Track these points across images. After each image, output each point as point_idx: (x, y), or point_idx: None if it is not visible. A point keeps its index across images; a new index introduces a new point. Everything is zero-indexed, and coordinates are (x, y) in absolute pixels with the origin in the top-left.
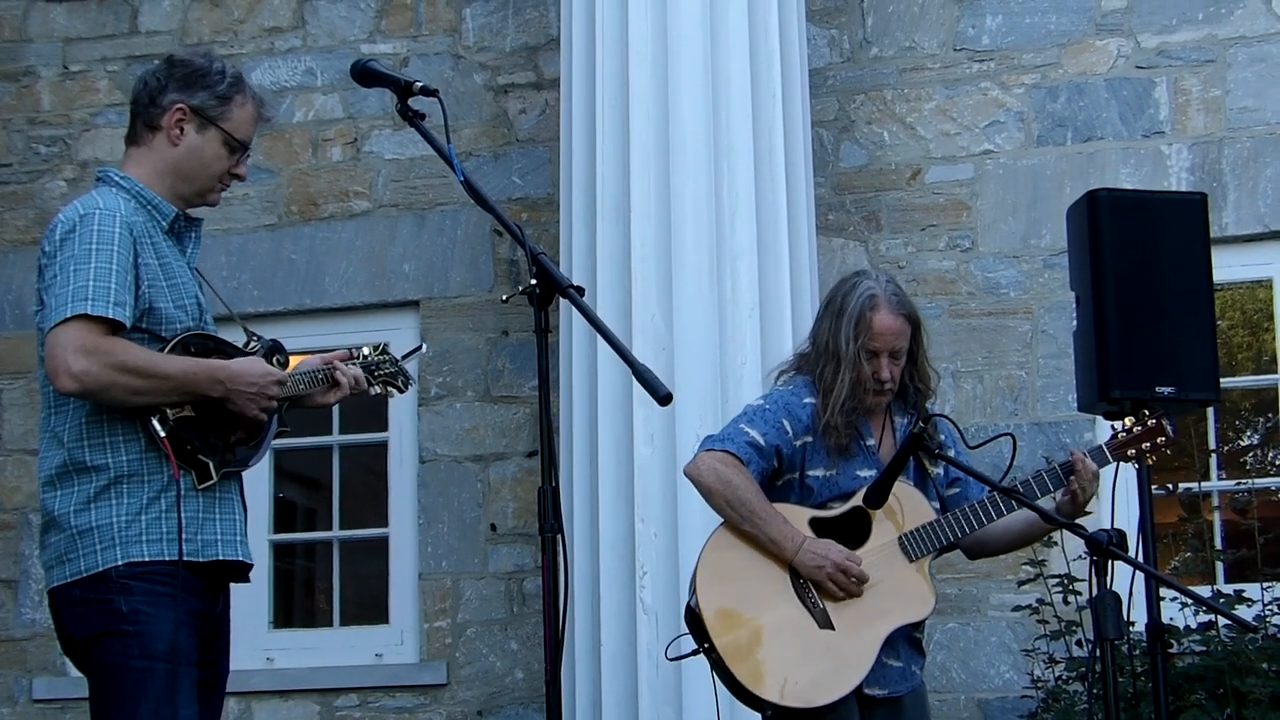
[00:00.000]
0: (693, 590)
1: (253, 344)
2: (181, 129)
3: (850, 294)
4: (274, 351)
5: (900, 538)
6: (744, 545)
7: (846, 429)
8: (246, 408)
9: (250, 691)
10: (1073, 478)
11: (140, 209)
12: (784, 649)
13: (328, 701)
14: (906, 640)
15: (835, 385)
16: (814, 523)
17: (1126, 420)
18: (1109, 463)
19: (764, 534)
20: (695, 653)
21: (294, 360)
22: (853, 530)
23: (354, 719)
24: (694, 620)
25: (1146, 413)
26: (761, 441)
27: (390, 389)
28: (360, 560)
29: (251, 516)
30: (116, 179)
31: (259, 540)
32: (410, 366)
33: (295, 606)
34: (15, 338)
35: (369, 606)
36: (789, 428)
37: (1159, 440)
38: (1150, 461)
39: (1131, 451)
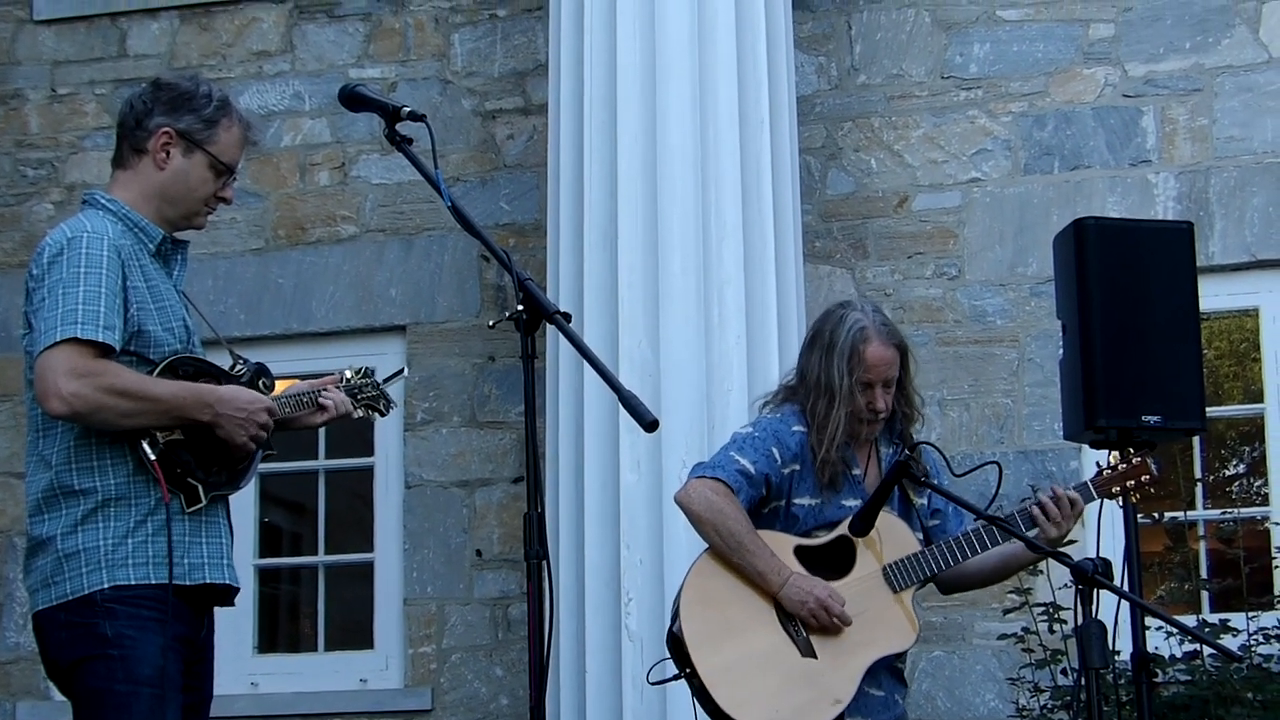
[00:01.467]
0: (675, 615)
1: (239, 367)
2: (168, 152)
3: (839, 327)
4: (260, 375)
5: (884, 568)
6: (728, 572)
7: (839, 463)
8: (234, 434)
9: (234, 717)
10: (1056, 515)
11: (127, 232)
12: (766, 677)
13: None
14: (888, 670)
15: (829, 420)
16: (799, 551)
17: (1111, 458)
18: (1094, 499)
19: (750, 566)
20: (677, 678)
21: (280, 384)
22: (837, 559)
23: None
24: (676, 645)
25: (1131, 451)
26: (751, 469)
27: (372, 412)
28: (345, 585)
29: (236, 541)
30: (103, 202)
31: (244, 565)
32: (395, 390)
33: (280, 631)
34: (1, 361)
35: (354, 632)
36: (778, 455)
37: (1143, 479)
38: (1135, 499)
39: (1116, 489)
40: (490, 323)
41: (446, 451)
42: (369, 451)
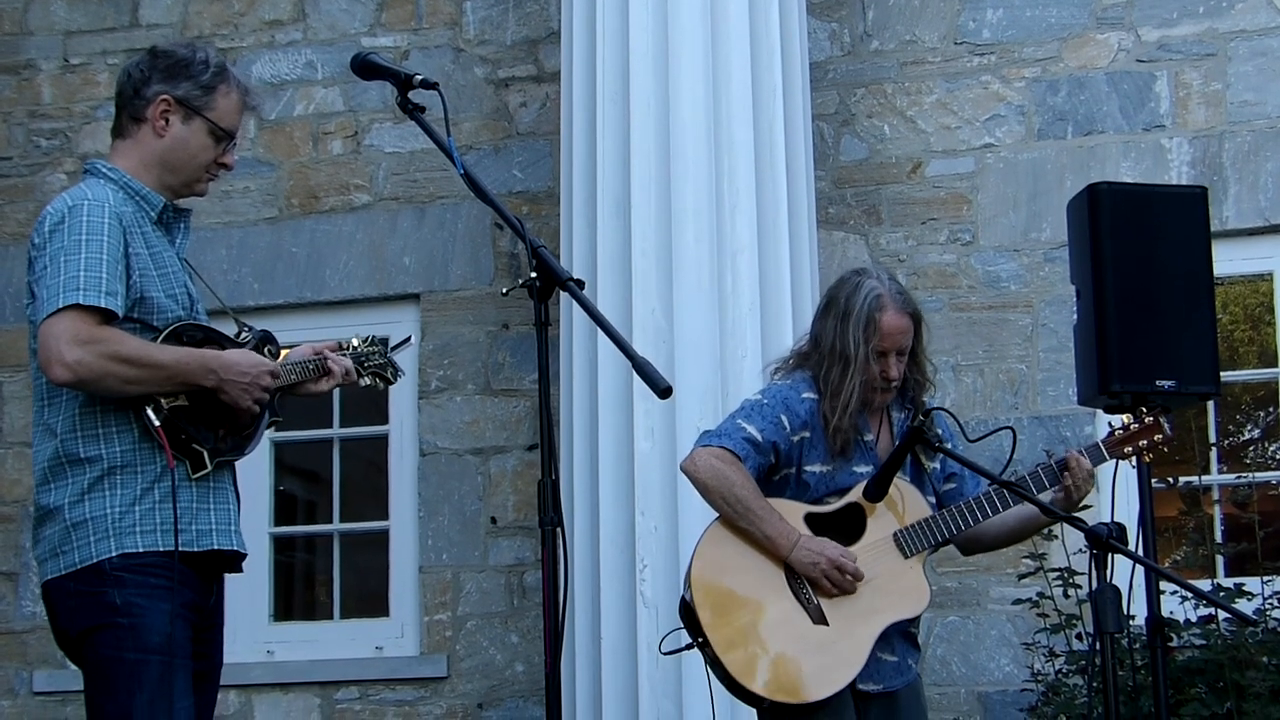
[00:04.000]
0: (687, 584)
1: (243, 334)
2: (167, 120)
3: (855, 295)
4: (265, 342)
5: (895, 534)
6: (739, 540)
7: (851, 430)
8: (239, 398)
9: (250, 684)
10: (1067, 474)
11: (129, 200)
12: (777, 644)
13: (328, 694)
14: (901, 635)
15: (843, 388)
16: (809, 518)
17: (1124, 417)
18: (1106, 460)
19: (760, 531)
20: (689, 647)
21: (284, 352)
22: (848, 526)
23: (354, 712)
24: (688, 614)
25: (1144, 410)
26: (759, 437)
27: (378, 380)
28: (360, 553)
29: (252, 509)
30: (104, 170)
31: (259, 533)
32: (406, 358)
33: (295, 599)
34: (15, 330)
35: (369, 599)
36: (787, 423)
37: (1156, 438)
38: (1148, 459)
39: (1129, 449)
40: (504, 290)
41: (461, 419)
42: (384, 419)
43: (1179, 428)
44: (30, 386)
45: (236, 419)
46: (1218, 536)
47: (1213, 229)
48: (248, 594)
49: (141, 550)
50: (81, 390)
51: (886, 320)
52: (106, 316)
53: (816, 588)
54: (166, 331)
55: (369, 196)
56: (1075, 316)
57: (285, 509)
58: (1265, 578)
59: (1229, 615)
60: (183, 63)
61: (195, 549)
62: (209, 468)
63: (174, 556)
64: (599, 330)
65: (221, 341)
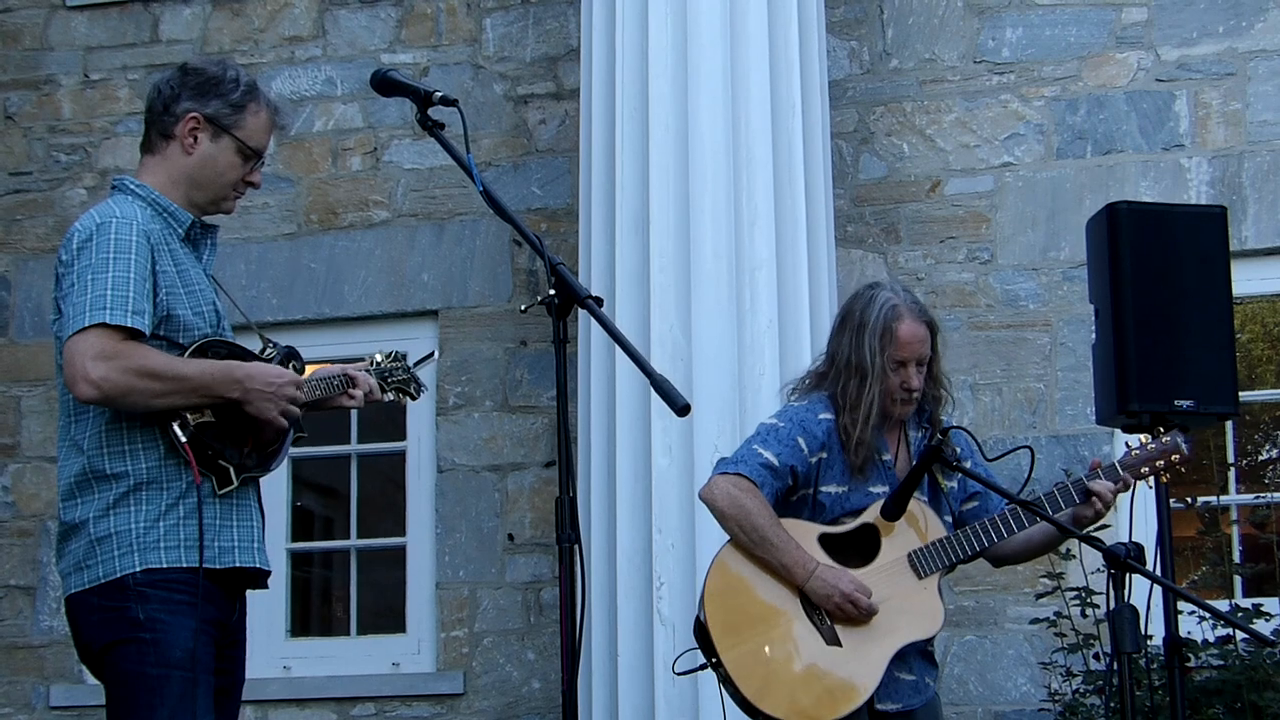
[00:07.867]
0: (701, 604)
1: (269, 351)
2: (195, 137)
3: (869, 307)
4: (290, 358)
5: (909, 555)
6: (753, 561)
7: (871, 446)
8: (265, 409)
9: (267, 700)
10: (1095, 499)
11: (156, 216)
12: (791, 665)
13: (344, 710)
14: (919, 653)
15: (862, 400)
16: (823, 539)
17: (1142, 438)
18: (1122, 480)
19: (775, 560)
20: (703, 667)
21: (310, 368)
22: (862, 546)
23: None
24: (702, 634)
25: (1161, 430)
26: (775, 462)
27: (402, 395)
28: (378, 569)
29: (269, 525)
30: (132, 187)
31: (277, 549)
32: (426, 374)
33: (312, 615)
34: (35, 345)
35: (386, 615)
36: (804, 445)
37: (1174, 459)
38: (1165, 480)
39: (1146, 469)
40: (522, 307)
41: (478, 436)
42: (401, 436)
43: (1197, 447)
44: (49, 401)
45: (262, 435)
46: (1236, 557)
47: (1232, 248)
48: (265, 609)
49: (165, 566)
50: (108, 406)
51: (903, 329)
52: (132, 334)
53: (830, 615)
54: (193, 347)
55: (388, 213)
56: (1094, 336)
57: (303, 524)
58: None
59: (1247, 636)
60: (213, 80)
61: (218, 566)
62: (234, 484)
63: (198, 572)
64: (617, 347)
65: (246, 358)
